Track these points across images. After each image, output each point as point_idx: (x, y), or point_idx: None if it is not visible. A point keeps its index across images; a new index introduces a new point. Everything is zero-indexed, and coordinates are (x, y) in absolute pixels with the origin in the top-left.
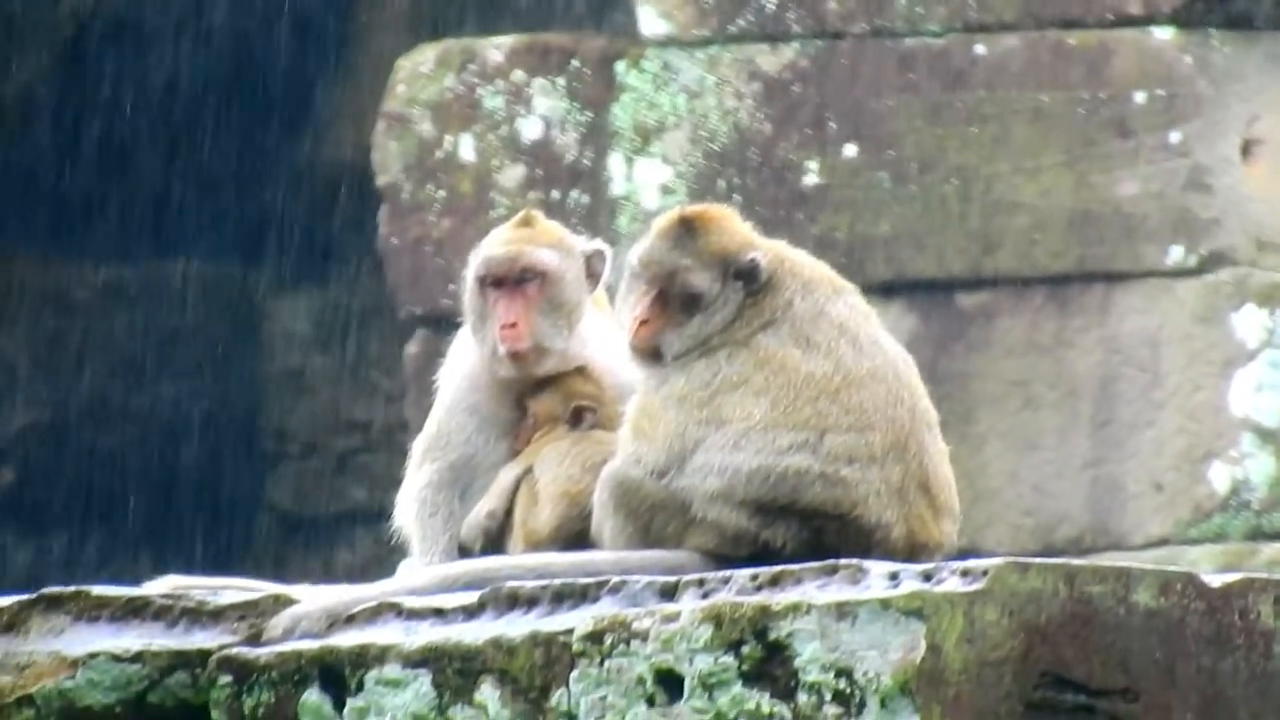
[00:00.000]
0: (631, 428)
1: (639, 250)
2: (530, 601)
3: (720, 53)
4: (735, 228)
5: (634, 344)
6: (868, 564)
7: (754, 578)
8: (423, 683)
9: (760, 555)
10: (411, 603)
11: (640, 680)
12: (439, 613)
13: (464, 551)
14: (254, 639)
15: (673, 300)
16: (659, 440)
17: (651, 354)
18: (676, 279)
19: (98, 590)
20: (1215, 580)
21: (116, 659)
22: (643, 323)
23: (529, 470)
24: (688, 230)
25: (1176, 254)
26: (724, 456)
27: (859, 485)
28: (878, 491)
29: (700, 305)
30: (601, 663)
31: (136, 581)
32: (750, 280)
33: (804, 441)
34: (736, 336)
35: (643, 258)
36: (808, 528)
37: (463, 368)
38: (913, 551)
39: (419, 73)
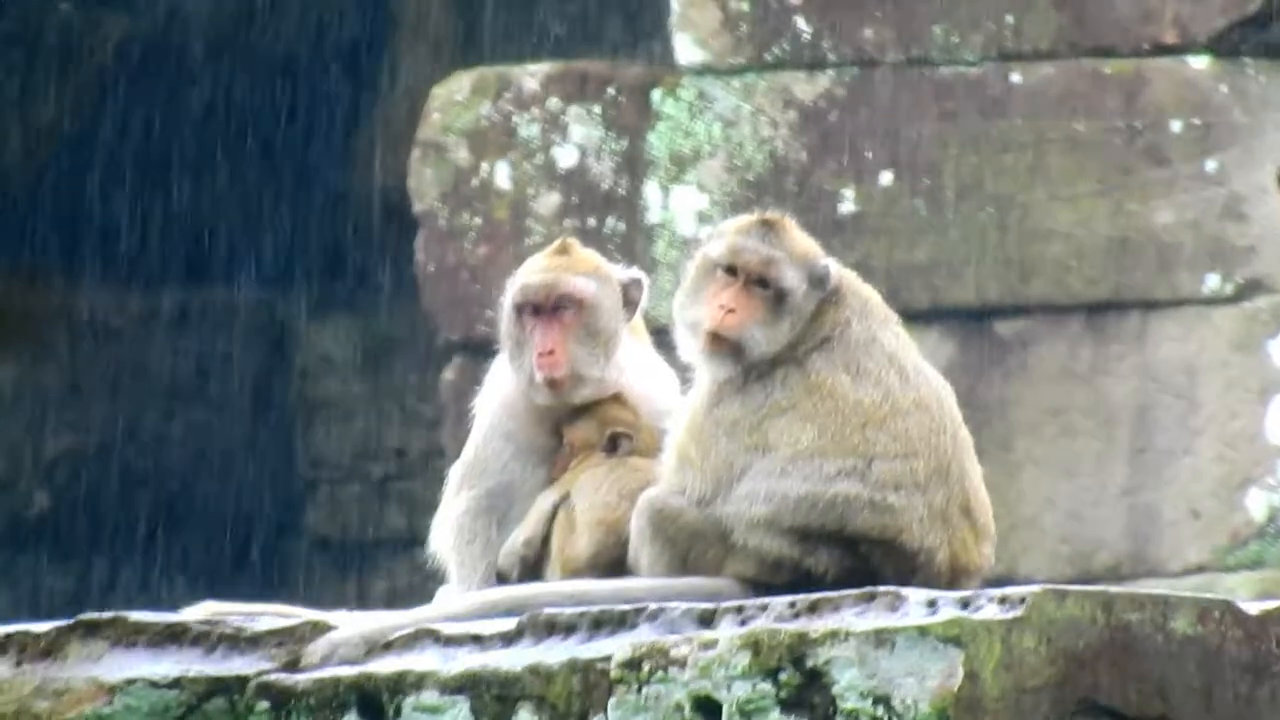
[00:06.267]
0: (677, 455)
1: (721, 245)
2: (568, 628)
3: (756, 80)
4: (806, 236)
5: (719, 330)
6: (905, 591)
7: (792, 605)
8: (461, 709)
9: (800, 582)
10: (449, 629)
11: (678, 707)
12: (477, 639)
13: (501, 579)
14: (292, 665)
15: (761, 294)
16: (707, 470)
17: (732, 348)
18: (771, 270)
19: (135, 616)
20: (1253, 608)
21: (154, 685)
22: (729, 311)
23: (566, 497)
24: (771, 229)
25: (1213, 282)
26: (771, 483)
27: (905, 511)
28: (921, 518)
29: (786, 305)
30: (639, 690)
31: (174, 608)
32: (822, 286)
33: (852, 468)
34: (796, 354)
35: (732, 247)
36: (851, 554)
37: (499, 395)
38: (955, 575)
39: (454, 100)
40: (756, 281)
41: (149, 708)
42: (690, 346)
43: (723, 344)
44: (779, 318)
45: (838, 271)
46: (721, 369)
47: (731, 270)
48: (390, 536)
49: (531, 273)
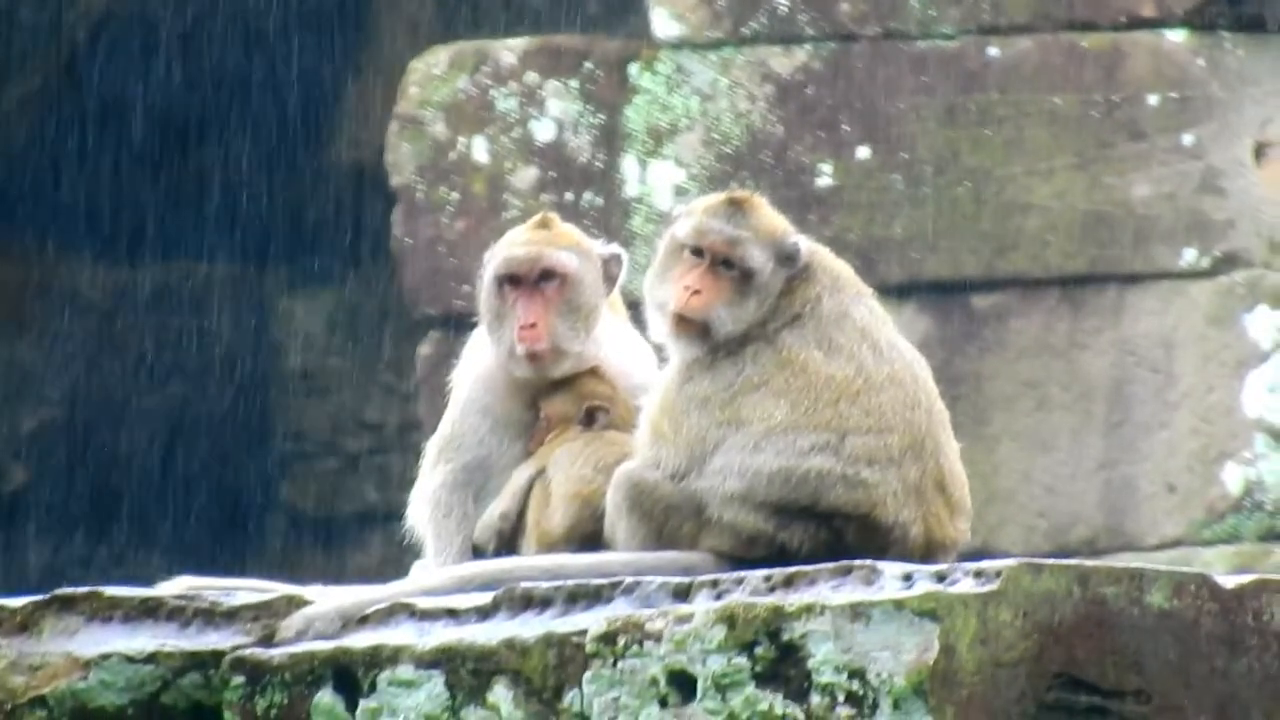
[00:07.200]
0: (651, 430)
1: (687, 225)
2: (544, 602)
3: (733, 55)
4: (776, 213)
5: (684, 312)
6: (881, 565)
7: (767, 579)
8: (436, 683)
9: (774, 557)
10: (425, 603)
11: (653, 681)
12: (452, 613)
13: (477, 552)
14: (267, 640)
15: (727, 275)
16: (680, 444)
17: (699, 329)
18: (736, 251)
19: (111, 591)
20: (1229, 581)
21: (129, 660)
22: (695, 292)
23: (542, 471)
24: (739, 208)
25: (1190, 256)
26: (744, 458)
27: (879, 486)
28: (895, 492)
29: (753, 285)
30: (615, 663)
31: (150, 582)
32: (791, 264)
33: (825, 443)
34: (766, 331)
35: (698, 228)
36: (825, 528)
37: (477, 368)
38: (929, 550)
39: (432, 74)
40: (722, 262)
41: (124, 682)
42: (659, 326)
43: (689, 325)
44: (745, 297)
45: (808, 248)
46: (689, 349)
47: (698, 251)
48: (366, 511)
49: (515, 245)
